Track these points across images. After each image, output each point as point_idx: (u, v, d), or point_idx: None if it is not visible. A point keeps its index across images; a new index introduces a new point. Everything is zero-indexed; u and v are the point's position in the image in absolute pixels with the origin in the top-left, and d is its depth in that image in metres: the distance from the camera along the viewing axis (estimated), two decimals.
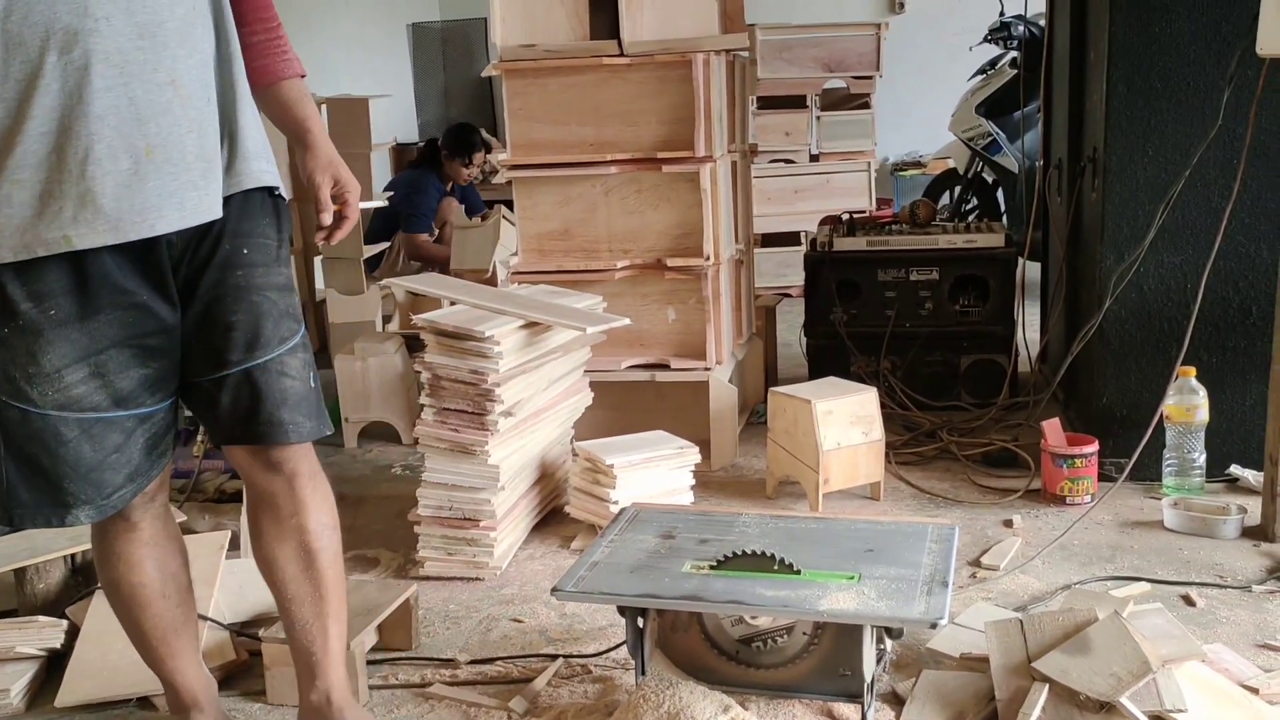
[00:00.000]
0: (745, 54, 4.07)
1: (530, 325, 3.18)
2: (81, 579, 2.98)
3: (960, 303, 4.45)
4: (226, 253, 1.92)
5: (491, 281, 6.11)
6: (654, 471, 3.30)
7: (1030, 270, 4.87)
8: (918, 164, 8.03)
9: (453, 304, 3.28)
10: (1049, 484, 3.45)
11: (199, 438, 3.64)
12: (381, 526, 3.56)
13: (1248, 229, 3.35)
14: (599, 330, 3.18)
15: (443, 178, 6.34)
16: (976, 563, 3.06)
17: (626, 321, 3.30)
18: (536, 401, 3.28)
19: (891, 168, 8.08)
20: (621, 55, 3.74)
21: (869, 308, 4.49)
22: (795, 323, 5.27)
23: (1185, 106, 3.37)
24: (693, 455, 3.37)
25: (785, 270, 6.63)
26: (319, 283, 5.94)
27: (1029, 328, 4.64)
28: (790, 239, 6.66)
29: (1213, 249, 3.25)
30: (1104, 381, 3.56)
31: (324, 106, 5.75)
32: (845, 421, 3.47)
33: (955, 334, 4.42)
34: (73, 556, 2.97)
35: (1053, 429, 3.48)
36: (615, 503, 3.21)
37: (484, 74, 3.85)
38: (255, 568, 2.58)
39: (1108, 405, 3.56)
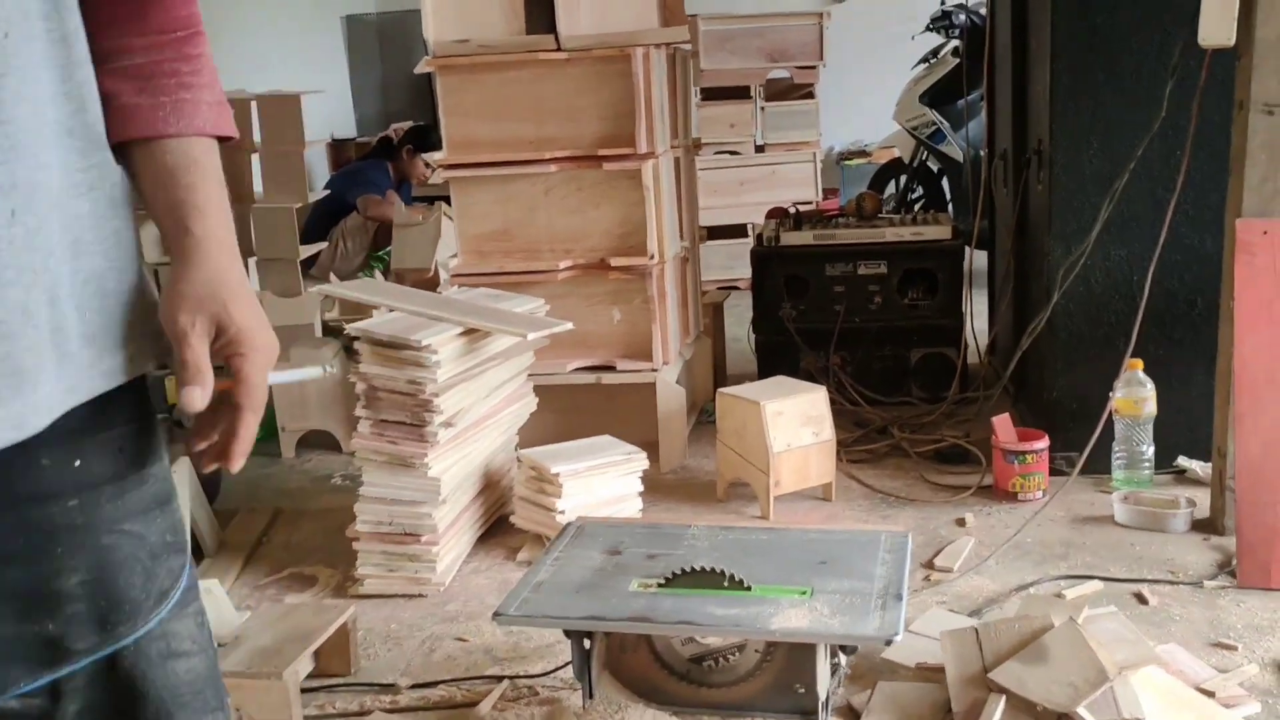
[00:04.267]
0: (686, 47, 3.98)
1: (469, 332, 3.08)
2: None
3: (909, 296, 4.41)
4: (39, 474, 1.07)
5: (434, 281, 6.01)
6: (601, 479, 3.22)
7: (977, 259, 4.85)
8: (863, 153, 8.01)
9: (390, 311, 3.17)
10: (1001, 480, 3.41)
11: None
12: (320, 542, 3.44)
13: (1192, 220, 3.32)
14: (540, 336, 3.09)
15: (393, 172, 6.23)
16: (930, 564, 3.01)
17: (569, 326, 3.21)
18: (478, 410, 3.18)
19: (837, 157, 8.06)
20: (559, 50, 3.65)
21: (817, 303, 4.43)
22: (744, 317, 5.20)
23: (1129, 98, 3.34)
24: (640, 461, 3.30)
25: (732, 263, 6.57)
26: (254, 284, 5.78)
27: (977, 318, 4.61)
28: (737, 231, 6.60)
29: (1158, 242, 3.23)
30: (1053, 375, 3.53)
31: (254, 104, 5.60)
32: (795, 422, 3.40)
33: (904, 328, 4.38)
34: None
35: (1003, 425, 3.44)
36: (562, 512, 3.12)
37: (416, 70, 3.73)
38: None
39: (1057, 399, 3.53)
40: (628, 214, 3.74)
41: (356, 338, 2.99)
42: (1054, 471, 3.43)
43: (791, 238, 4.47)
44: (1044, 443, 3.37)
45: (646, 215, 3.69)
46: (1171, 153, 3.27)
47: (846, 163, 7.97)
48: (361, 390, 3.00)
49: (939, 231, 4.40)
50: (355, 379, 3.01)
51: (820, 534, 2.43)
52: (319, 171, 7.42)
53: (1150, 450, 3.35)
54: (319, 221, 6.08)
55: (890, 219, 4.61)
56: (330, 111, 7.89)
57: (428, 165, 6.23)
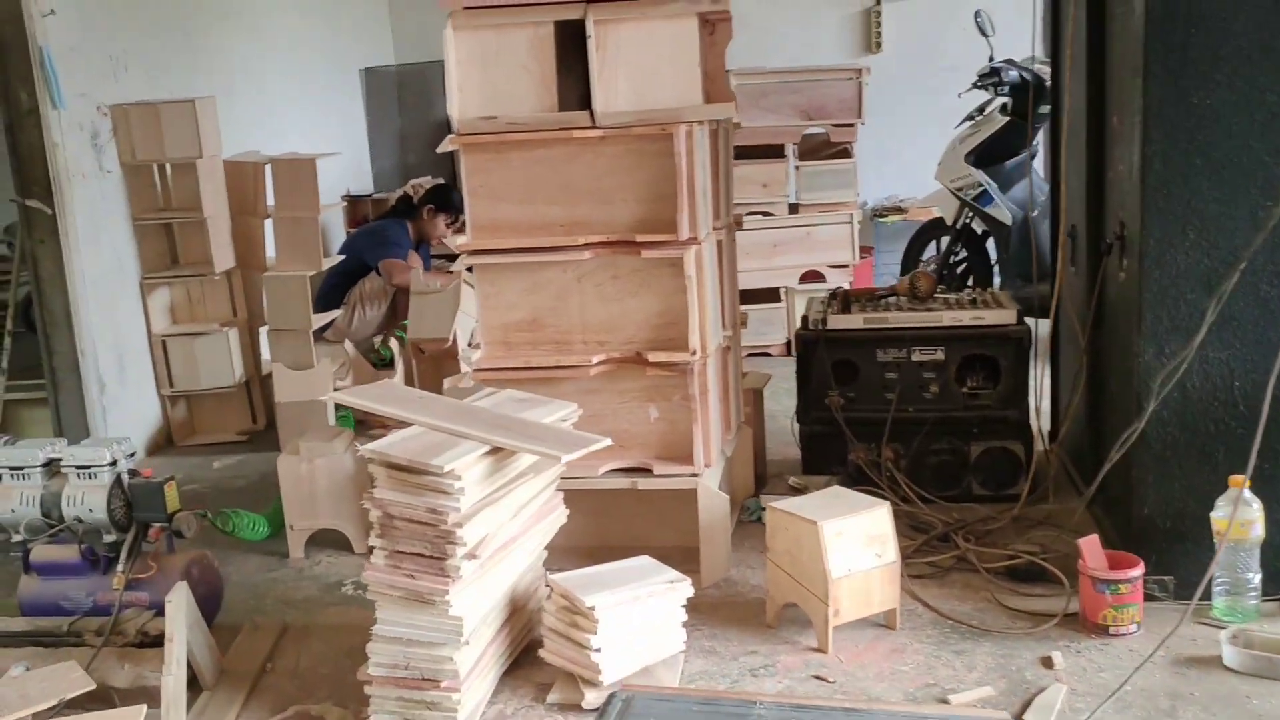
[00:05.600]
0: (730, 121, 3.66)
1: (496, 450, 2.75)
2: None
3: (968, 385, 4.06)
4: None
5: (451, 352, 5.70)
6: (640, 608, 2.88)
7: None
8: (899, 209, 7.67)
9: (404, 424, 2.84)
10: (1089, 611, 3.05)
11: (119, 567, 3.17)
12: (330, 669, 3.10)
13: None
14: (577, 456, 2.75)
15: (411, 231, 5.94)
16: None
17: (606, 442, 2.88)
18: (504, 534, 2.85)
19: (871, 213, 7.72)
20: (594, 127, 3.34)
21: (868, 391, 4.09)
22: (779, 389, 4.87)
23: (1228, 185, 3.00)
24: (684, 589, 2.96)
25: (765, 329, 6.25)
26: (265, 354, 5.48)
27: (1039, 396, 4.25)
28: (769, 295, 6.27)
29: (1263, 343, 2.90)
30: (1144, 488, 3.17)
31: (269, 167, 5.33)
32: (856, 543, 3.06)
33: (964, 419, 4.02)
34: None
35: (1091, 548, 3.08)
36: (597, 650, 2.79)
37: (440, 149, 3.42)
38: None
39: (1149, 516, 3.17)
40: (667, 304, 3.42)
41: (372, 459, 2.66)
42: (1145, 597, 3.07)
43: (840, 321, 4.14)
44: (1139, 570, 3.01)
45: (689, 307, 3.37)
46: (1277, 246, 2.94)
47: (881, 220, 7.63)
48: (376, 518, 2.67)
49: (1001, 315, 4.06)
50: (369, 505, 2.68)
51: (911, 718, 2.08)
52: (334, 230, 7.12)
53: (1257, 578, 3.00)
54: (336, 284, 5.77)
55: (947, 300, 4.27)
56: (346, 167, 7.62)
57: (450, 225, 5.92)
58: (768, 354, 6.22)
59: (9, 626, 3.14)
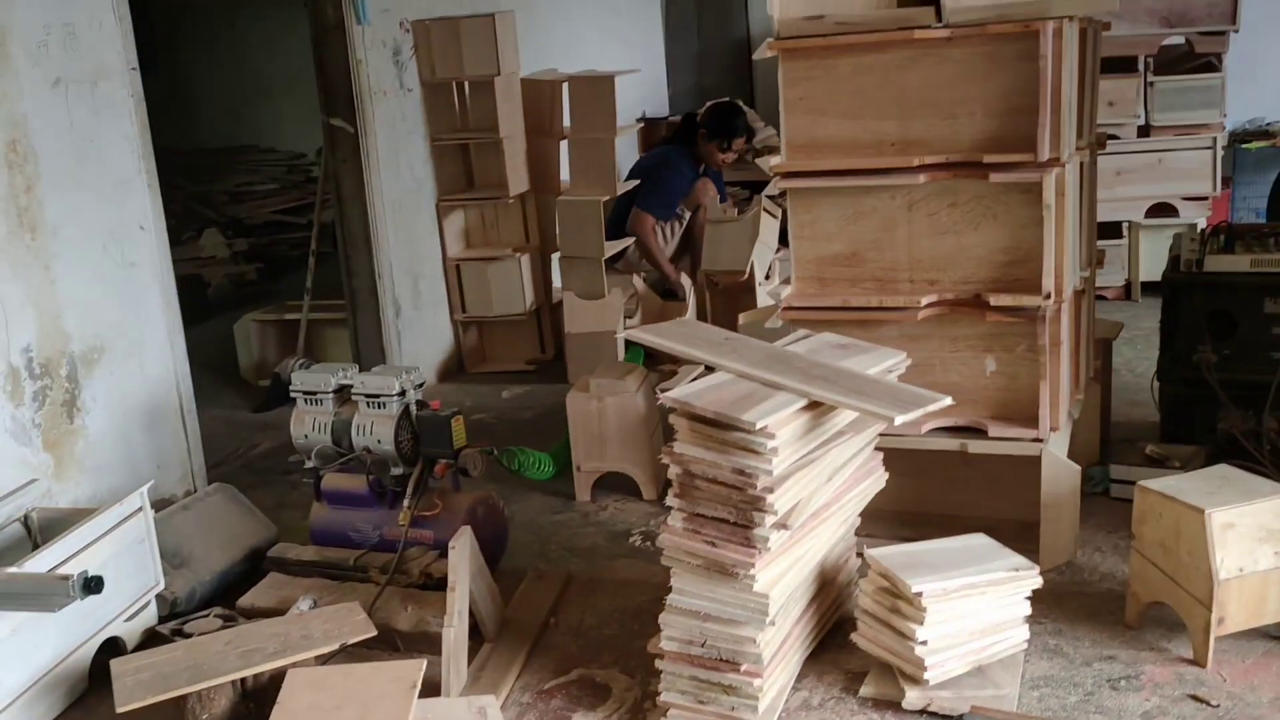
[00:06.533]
0: (1107, 17, 3.05)
1: (814, 405, 2.36)
2: (253, 706, 2.41)
3: None
4: None
5: (749, 284, 5.32)
6: (976, 600, 2.44)
7: None
8: (1265, 134, 6.62)
9: (707, 370, 2.49)
10: None
11: (405, 503, 3.03)
12: (614, 631, 2.85)
13: None
14: (913, 418, 2.31)
15: (696, 158, 5.55)
16: None
17: (948, 401, 2.42)
18: (818, 500, 2.46)
19: (1231, 138, 6.70)
20: (941, 26, 2.83)
21: (1249, 348, 3.41)
22: (1122, 338, 4.21)
23: None
24: (1031, 579, 2.49)
25: (1099, 269, 5.49)
26: (556, 282, 5.30)
27: None
28: (1109, 230, 5.51)
29: None
30: None
31: (566, 86, 5.10)
32: (1251, 538, 2.48)
33: None
34: (243, 681, 2.40)
35: None
36: (923, 643, 2.37)
37: (756, 55, 3.01)
38: (460, 714, 1.94)
39: None
40: (1017, 238, 2.90)
41: (673, 408, 2.33)
42: None
43: (1220, 262, 3.46)
44: None
45: (1044, 241, 2.84)
46: None
47: (1244, 146, 6.61)
48: (676, 475, 2.35)
49: None
50: (668, 460, 2.35)
51: None
52: (629, 154, 6.87)
53: None
54: (625, 212, 5.50)
55: None
56: (642, 88, 7.35)
57: (723, 151, 5.46)
58: (1103, 297, 5.49)
59: (300, 555, 3.07)
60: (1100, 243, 5.42)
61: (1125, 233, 5.54)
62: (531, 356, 5.32)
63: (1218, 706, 2.37)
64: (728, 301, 5.13)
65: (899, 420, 2.28)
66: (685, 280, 5.35)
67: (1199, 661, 2.51)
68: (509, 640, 2.79)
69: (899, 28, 2.86)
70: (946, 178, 2.92)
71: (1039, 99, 2.76)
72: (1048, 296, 2.86)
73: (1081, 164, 3.12)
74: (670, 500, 2.37)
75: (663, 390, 2.46)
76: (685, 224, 5.53)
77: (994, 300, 2.91)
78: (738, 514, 2.28)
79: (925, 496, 3.20)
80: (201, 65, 8.91)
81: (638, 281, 5.41)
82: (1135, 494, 2.66)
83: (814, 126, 3.04)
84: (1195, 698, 2.40)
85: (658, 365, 4.67)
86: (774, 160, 3.10)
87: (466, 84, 5.04)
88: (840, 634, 2.67)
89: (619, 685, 2.60)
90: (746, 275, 5.12)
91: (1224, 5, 5.24)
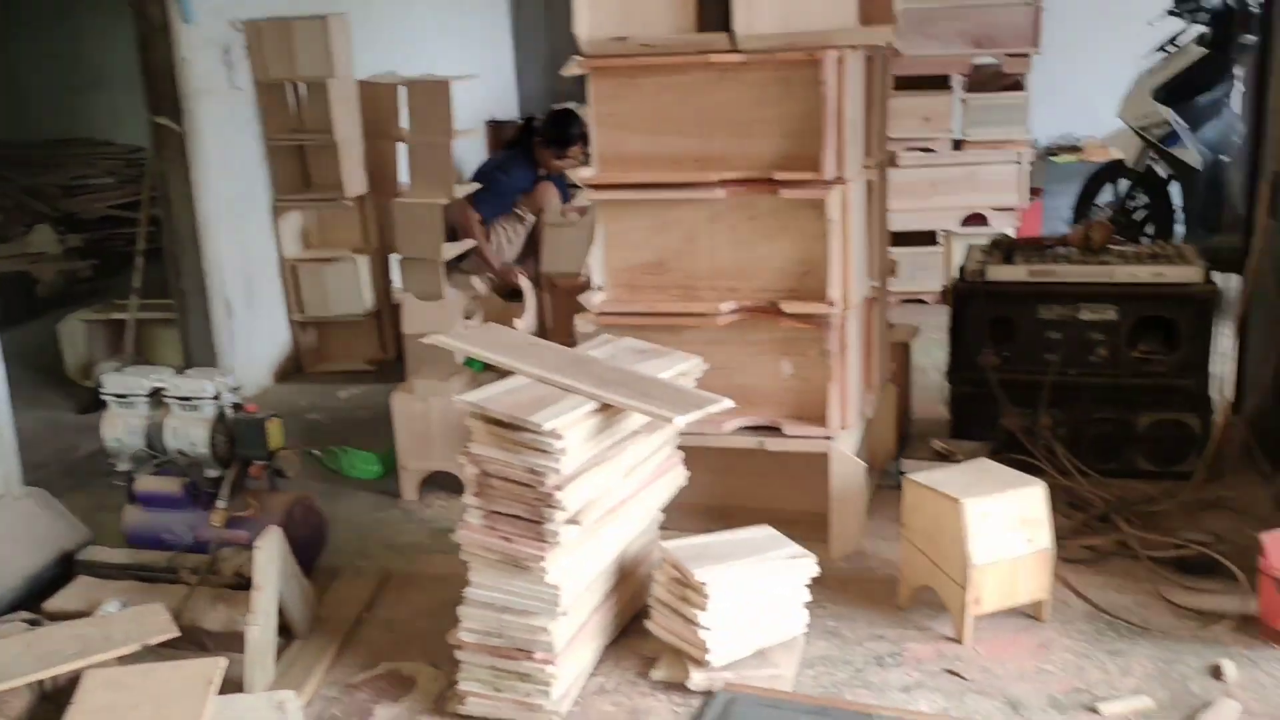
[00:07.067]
0: (888, 45, 3.29)
1: (607, 406, 2.52)
2: (53, 708, 2.44)
3: (1141, 349, 3.64)
4: None
5: (587, 286, 5.46)
6: (757, 585, 2.63)
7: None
8: (1074, 149, 7.09)
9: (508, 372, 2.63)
10: (1271, 616, 2.67)
11: (219, 503, 3.08)
12: (426, 625, 2.95)
13: None
14: (692, 419, 2.49)
15: (535, 162, 5.67)
16: None
17: (728, 404, 2.61)
18: (613, 497, 2.62)
19: (1042, 152, 7.15)
20: (735, 51, 3.02)
21: (1027, 351, 3.70)
22: (931, 341, 4.50)
23: None
24: (807, 566, 2.69)
25: (920, 274, 5.83)
26: (397, 283, 5.36)
27: (1219, 361, 3.80)
28: (926, 239, 5.85)
29: None
30: None
31: (403, 89, 5.16)
32: (1004, 526, 2.73)
33: (1133, 387, 3.62)
34: (42, 683, 2.43)
35: (1276, 545, 2.69)
36: (707, 628, 2.55)
37: (563, 72, 3.15)
38: (258, 710, 2.02)
39: None
40: (808, 249, 3.11)
41: (467, 411, 2.46)
42: None
43: (1000, 272, 3.75)
44: None
45: (829, 253, 3.05)
46: None
47: (1053, 159, 7.06)
48: (472, 475, 2.47)
49: (1185, 272, 3.60)
50: (464, 461, 2.48)
51: None
52: (475, 157, 6.95)
53: None
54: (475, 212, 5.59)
55: (1123, 253, 3.82)
56: (491, 91, 7.43)
57: (559, 158, 5.59)
58: (922, 301, 5.81)
59: (111, 558, 3.08)
60: (917, 249, 5.84)
61: (941, 240, 5.87)
62: (371, 357, 5.37)
63: (969, 679, 2.61)
64: (567, 303, 5.27)
65: (678, 421, 2.45)
66: (525, 282, 5.46)
67: (958, 639, 2.75)
68: (319, 637, 2.87)
69: (697, 51, 3.04)
70: (744, 193, 3.11)
71: (823, 121, 2.97)
72: (834, 304, 3.07)
73: (870, 183, 3.35)
74: (467, 499, 2.49)
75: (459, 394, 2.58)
76: (530, 227, 5.66)
77: (787, 307, 3.11)
78: (531, 511, 2.42)
79: (733, 491, 3.40)
80: (33, 56, 8.62)
81: (478, 283, 5.50)
82: (904, 486, 2.90)
83: (621, 141, 3.20)
84: (951, 672, 2.64)
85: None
86: (583, 172, 3.25)
87: (301, 85, 5.06)
88: (639, 622, 2.83)
89: (424, 677, 2.72)
90: (584, 279, 5.27)
91: (1027, 29, 5.60)
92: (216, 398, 3.07)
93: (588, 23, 3.13)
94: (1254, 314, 3.79)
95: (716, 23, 3.05)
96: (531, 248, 5.69)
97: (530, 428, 2.35)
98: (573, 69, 3.15)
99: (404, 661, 2.79)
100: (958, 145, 5.93)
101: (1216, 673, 2.57)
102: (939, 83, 5.78)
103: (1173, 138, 5.46)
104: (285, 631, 2.84)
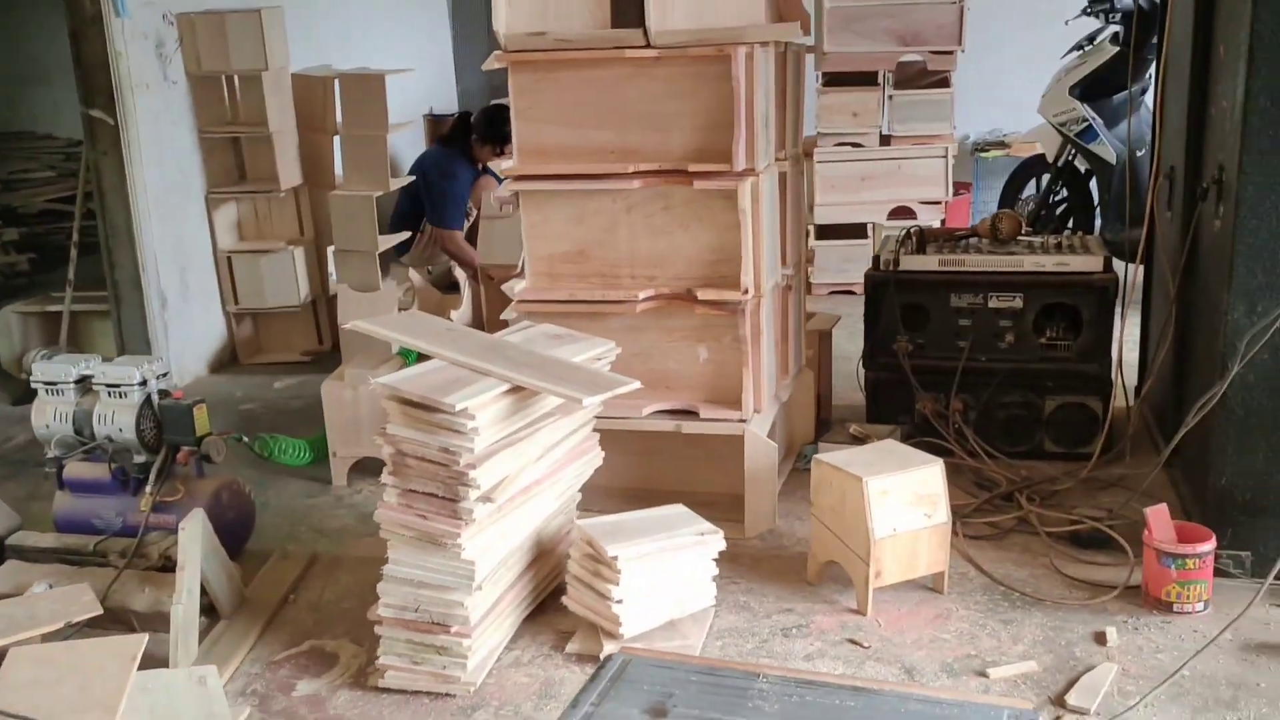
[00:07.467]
0: (801, 42, 3.41)
1: (520, 388, 2.62)
2: None
3: (1047, 335, 3.79)
4: None
5: (522, 277, 5.54)
6: (666, 561, 2.74)
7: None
8: (1001, 144, 7.27)
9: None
10: (1152, 585, 2.83)
11: (147, 488, 3.15)
12: (351, 604, 3.04)
13: None
14: (600, 400, 2.60)
15: (472, 158, 5.75)
16: (1061, 702, 2.47)
17: (635, 385, 2.72)
18: (527, 476, 2.72)
19: (971, 148, 7.33)
20: (648, 47, 3.13)
21: (939, 337, 3.85)
22: (855, 329, 4.63)
23: None
24: (715, 542, 2.81)
25: (847, 265, 5.98)
26: (332, 274, 5.42)
27: (1126, 347, 3.96)
28: (855, 231, 6.00)
29: None
30: (1223, 457, 2.91)
31: (335, 82, 5.22)
32: (904, 502, 2.87)
33: (1040, 372, 3.77)
34: None
35: (1159, 518, 2.84)
36: (619, 601, 2.66)
37: (484, 67, 3.25)
38: (179, 684, 2.10)
39: (1226, 486, 2.91)
40: (721, 239, 3.22)
41: (382, 393, 2.55)
42: (1217, 571, 2.83)
43: (912, 262, 3.89)
44: (1210, 545, 2.77)
45: (742, 243, 3.17)
46: None
47: (982, 154, 7.24)
48: (389, 455, 2.57)
49: (1088, 262, 3.76)
50: (380, 441, 2.57)
51: (923, 703, 1.91)
52: (412, 150, 7.01)
53: None
54: (409, 205, 5.67)
55: (1030, 244, 3.98)
56: (430, 84, 7.49)
57: (497, 155, 5.69)
58: (851, 292, 5.96)
59: (39, 542, 3.14)
60: (847, 242, 5.99)
61: (870, 233, 6.00)
62: (308, 348, 5.43)
63: (869, 648, 2.74)
64: (502, 294, 5.36)
65: (587, 402, 2.56)
66: (460, 274, 5.54)
67: (861, 610, 2.88)
68: (245, 617, 2.95)
69: (612, 47, 3.14)
70: (659, 184, 3.22)
71: (734, 115, 3.09)
72: (746, 292, 3.20)
73: (783, 174, 3.48)
74: (385, 478, 2.59)
75: (374, 376, 2.67)
76: (474, 220, 5.74)
77: (702, 295, 3.23)
78: (446, 489, 2.52)
79: (650, 474, 3.51)
80: None
81: (414, 275, 5.58)
82: (812, 467, 3.02)
83: (541, 134, 3.30)
84: (852, 641, 2.77)
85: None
86: (505, 164, 3.34)
87: (236, 78, 5.10)
88: (558, 598, 2.94)
89: (347, 654, 2.81)
90: (520, 269, 5.35)
91: (951, 28, 5.74)
92: (144, 384, 3.13)
93: (506, 18, 3.22)
94: (1154, 302, 3.97)
95: (631, 19, 3.15)
96: (469, 240, 5.78)
97: (443, 408, 2.44)
98: (492, 63, 3.24)
99: (328, 639, 2.87)
100: (885, 140, 6.09)
101: (1101, 639, 2.71)
102: (867, 79, 5.94)
103: (1089, 133, 5.63)
104: (211, 612, 2.92)
